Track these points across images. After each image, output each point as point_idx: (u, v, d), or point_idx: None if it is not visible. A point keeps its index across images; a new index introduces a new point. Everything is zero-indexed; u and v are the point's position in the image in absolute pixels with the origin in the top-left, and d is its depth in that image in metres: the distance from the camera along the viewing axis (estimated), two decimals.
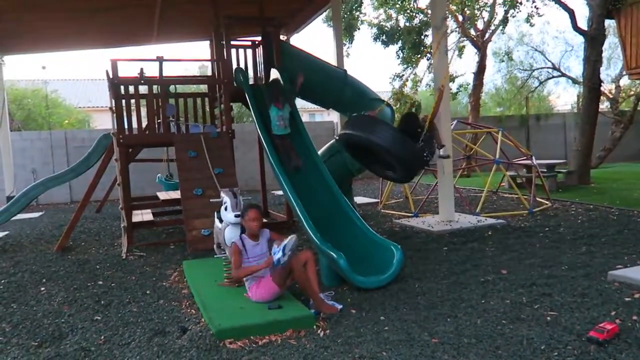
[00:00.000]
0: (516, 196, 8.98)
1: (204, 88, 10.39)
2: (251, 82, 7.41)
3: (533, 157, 9.13)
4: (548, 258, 4.98)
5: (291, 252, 3.66)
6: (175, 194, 8.25)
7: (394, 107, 12.49)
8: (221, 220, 4.40)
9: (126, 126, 6.82)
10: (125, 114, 6.76)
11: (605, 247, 5.28)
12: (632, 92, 18.34)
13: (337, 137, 6.18)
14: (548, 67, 19.66)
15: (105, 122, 16.07)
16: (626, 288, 3.88)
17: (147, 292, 4.54)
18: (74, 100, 23.02)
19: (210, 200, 5.11)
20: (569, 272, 4.42)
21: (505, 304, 3.71)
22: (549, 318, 3.38)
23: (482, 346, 2.99)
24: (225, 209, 4.24)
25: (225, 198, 4.26)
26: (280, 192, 12.11)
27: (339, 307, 3.78)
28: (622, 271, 4.22)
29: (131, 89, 6.94)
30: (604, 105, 17.82)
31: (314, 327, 3.43)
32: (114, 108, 6.70)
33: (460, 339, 3.10)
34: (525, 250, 5.36)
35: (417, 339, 3.15)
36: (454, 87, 15.79)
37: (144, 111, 7.26)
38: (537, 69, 20.02)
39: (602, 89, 13.52)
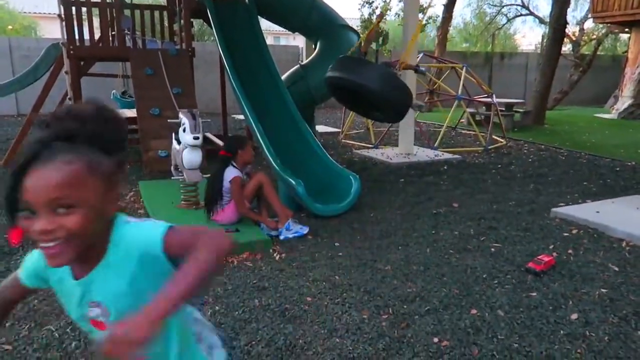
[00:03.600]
0: (474, 133, 9.19)
1: (162, 1, 9.75)
2: None
3: (494, 96, 9.26)
4: (498, 194, 5.20)
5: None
6: (131, 113, 7.95)
7: (362, 35, 12.20)
8: (179, 142, 4.30)
9: (77, 37, 6.37)
10: (76, 23, 6.29)
11: (552, 186, 5.55)
12: (595, 36, 18.59)
13: (326, 80, 5.26)
14: (517, 5, 19.51)
15: (53, 31, 14.97)
16: (566, 225, 4.14)
17: None
18: (18, 5, 21.18)
19: (168, 120, 4.96)
20: (516, 208, 4.66)
21: (453, 235, 3.89)
22: (493, 249, 3.58)
23: (429, 273, 3.16)
24: (184, 130, 4.13)
25: (184, 119, 4.14)
26: (241, 117, 11.88)
27: (307, 229, 3.87)
28: (564, 209, 4.47)
29: None
30: (566, 48, 18.04)
31: (270, 250, 3.51)
32: (63, 16, 6.21)
33: (410, 266, 3.26)
34: (477, 186, 5.57)
35: (369, 264, 3.28)
36: (423, 18, 15.48)
37: (96, 22, 6.77)
38: (507, 5, 19.84)
39: (566, 31, 13.61)
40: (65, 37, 6.22)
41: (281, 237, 3.76)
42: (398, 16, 15.26)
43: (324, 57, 7.13)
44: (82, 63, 6.63)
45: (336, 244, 3.71)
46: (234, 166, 3.86)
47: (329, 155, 5.14)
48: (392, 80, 4.91)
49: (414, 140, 7.68)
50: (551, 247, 3.63)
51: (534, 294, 2.86)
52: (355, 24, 13.08)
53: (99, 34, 6.91)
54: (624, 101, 13.35)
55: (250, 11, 6.39)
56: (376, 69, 5.00)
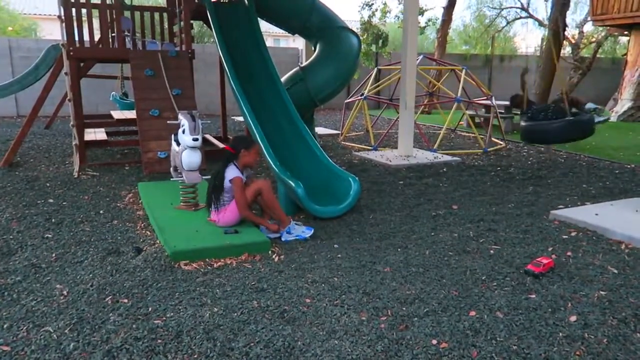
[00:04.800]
0: (473, 135, 9.20)
1: (162, 2, 9.76)
2: None
3: (493, 98, 9.28)
4: (497, 196, 5.20)
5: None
6: (131, 114, 7.96)
7: (362, 38, 12.22)
8: (178, 143, 4.30)
9: (77, 38, 6.38)
10: (75, 24, 6.30)
11: (551, 188, 5.55)
12: (594, 39, 18.62)
13: (522, 133, 6.74)
14: (517, 7, 19.55)
15: (53, 32, 14.98)
16: (565, 227, 4.14)
17: (101, 212, 4.48)
18: (19, 6, 21.23)
19: (168, 122, 4.96)
20: (515, 210, 4.66)
21: (453, 237, 3.89)
22: (492, 251, 3.58)
23: (429, 275, 3.15)
24: (183, 131, 4.13)
25: (184, 120, 4.14)
26: (241, 119, 11.89)
27: (310, 231, 3.89)
28: (563, 211, 4.47)
29: None
30: (566, 51, 18.06)
31: (269, 252, 3.51)
32: (63, 17, 6.22)
33: (409, 268, 3.26)
34: (476, 188, 5.57)
35: (368, 266, 3.28)
36: (422, 20, 15.51)
37: (96, 23, 6.79)
38: (506, 8, 19.89)
39: (566, 33, 13.64)
40: (65, 38, 6.23)
41: (282, 239, 3.77)
42: (398, 18, 15.28)
43: (323, 59, 7.15)
44: (82, 64, 6.63)
45: (335, 245, 3.71)
46: (235, 165, 3.86)
47: (328, 157, 5.14)
48: (583, 124, 6.22)
49: (414, 143, 7.69)
50: (550, 249, 3.63)
51: (533, 296, 2.86)
52: (355, 26, 13.10)
53: (99, 35, 6.91)
54: (624, 104, 13.36)
55: (250, 13, 6.41)
56: (565, 125, 6.17)
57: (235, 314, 2.62)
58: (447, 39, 15.91)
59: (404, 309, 2.70)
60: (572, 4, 15.25)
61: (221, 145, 7.67)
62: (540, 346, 2.34)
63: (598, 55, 17.87)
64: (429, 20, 16.42)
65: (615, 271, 3.22)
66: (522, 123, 6.69)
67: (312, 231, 3.88)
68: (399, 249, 3.62)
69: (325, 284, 3.00)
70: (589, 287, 2.98)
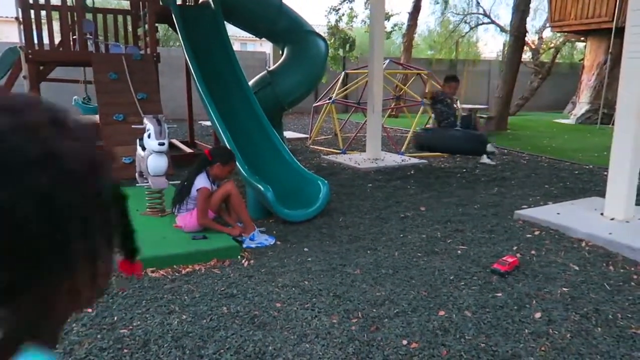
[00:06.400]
0: None
1: (126, 5, 9.57)
2: (179, 2, 6.92)
3: (458, 101, 9.45)
4: (463, 197, 5.30)
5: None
6: (94, 119, 7.75)
7: (329, 42, 12.28)
8: (144, 148, 4.21)
9: (36, 40, 6.18)
10: (35, 26, 6.10)
11: (515, 189, 5.69)
12: (553, 44, 19.27)
13: (414, 144, 7.10)
14: (479, 13, 20.05)
15: (11, 35, 14.48)
16: (529, 226, 4.25)
17: None
18: None
19: (133, 126, 4.86)
20: (481, 211, 4.75)
21: (421, 239, 3.94)
22: (459, 252, 3.64)
23: (398, 276, 3.18)
24: (149, 136, 4.05)
25: (149, 125, 4.06)
26: (208, 123, 11.75)
27: (272, 240, 3.85)
28: (527, 211, 4.60)
29: None
30: (526, 56, 18.60)
31: (239, 257, 3.47)
32: (21, 19, 6.02)
33: (379, 270, 3.28)
34: (443, 190, 5.66)
35: (338, 269, 3.29)
36: (388, 25, 15.71)
37: (57, 25, 6.59)
38: (469, 14, 20.36)
39: (526, 39, 14.07)
40: (24, 40, 6.02)
41: (244, 245, 3.72)
42: (365, 23, 15.44)
43: (291, 63, 7.14)
44: (41, 67, 6.43)
45: (305, 249, 3.70)
46: (206, 174, 3.81)
47: (297, 161, 5.14)
48: (474, 138, 6.48)
49: (382, 146, 7.76)
50: (515, 248, 3.72)
51: (500, 294, 2.92)
52: (322, 30, 13.17)
53: (60, 38, 6.72)
54: (581, 107, 13.86)
55: (216, 17, 6.34)
56: (461, 139, 6.44)
57: (205, 321, 2.57)
58: (413, 43, 16.16)
59: (375, 310, 2.71)
60: (531, 11, 15.74)
61: (188, 150, 7.56)
62: (507, 343, 2.39)
63: (557, 60, 18.50)
64: (395, 25, 16.64)
65: (577, 268, 3.32)
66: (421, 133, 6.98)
67: (274, 240, 3.87)
68: (368, 251, 3.64)
69: (295, 288, 2.98)
70: (552, 284, 3.06)
